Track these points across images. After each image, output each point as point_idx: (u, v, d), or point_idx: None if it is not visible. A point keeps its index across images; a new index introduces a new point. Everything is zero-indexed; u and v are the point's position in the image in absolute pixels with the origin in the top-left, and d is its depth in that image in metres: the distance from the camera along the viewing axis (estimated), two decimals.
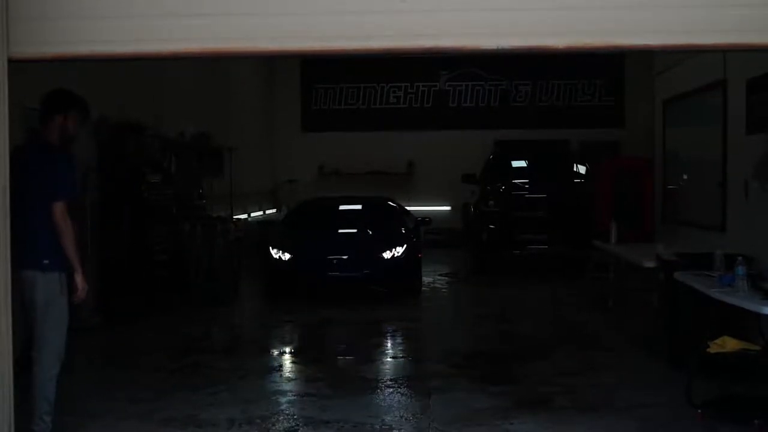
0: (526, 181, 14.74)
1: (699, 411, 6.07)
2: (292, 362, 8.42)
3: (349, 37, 4.99)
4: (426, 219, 13.19)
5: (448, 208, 19.37)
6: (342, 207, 13.46)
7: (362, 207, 13.49)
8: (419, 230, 12.87)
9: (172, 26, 5.00)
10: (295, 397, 6.85)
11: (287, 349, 9.14)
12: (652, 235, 11.22)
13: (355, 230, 12.48)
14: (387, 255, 11.53)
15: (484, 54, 5.10)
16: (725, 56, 8.61)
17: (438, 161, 18.88)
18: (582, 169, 14.94)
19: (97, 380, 7.41)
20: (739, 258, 6.00)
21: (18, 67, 4.97)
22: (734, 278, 6.00)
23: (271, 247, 11.75)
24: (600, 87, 19.79)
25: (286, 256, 11.51)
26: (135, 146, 10.61)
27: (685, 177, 10.86)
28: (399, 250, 11.58)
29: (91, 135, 10.00)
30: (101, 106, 9.98)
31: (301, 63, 19.92)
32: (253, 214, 17.06)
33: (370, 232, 12.33)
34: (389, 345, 9.45)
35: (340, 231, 12.50)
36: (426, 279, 12.96)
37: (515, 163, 15.79)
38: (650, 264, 8.02)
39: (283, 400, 6.84)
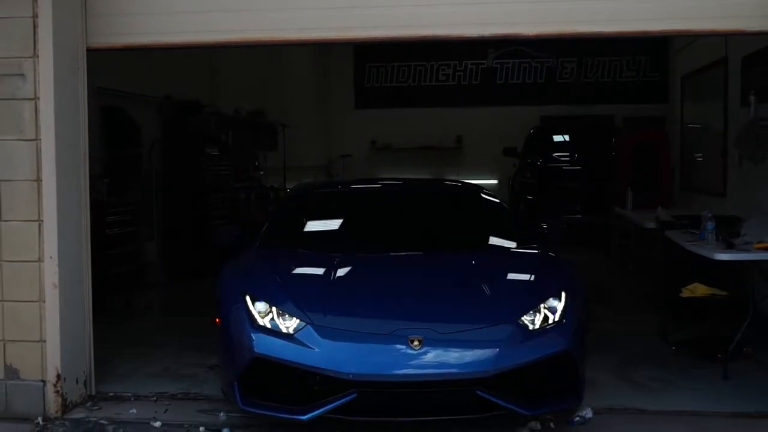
0: (565, 154, 15.49)
1: (673, 348, 7.08)
2: None
3: (388, 26, 5.90)
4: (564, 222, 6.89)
5: (495, 181, 20.16)
6: (393, 206, 6.83)
7: (433, 202, 7.06)
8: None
9: (229, 19, 5.98)
10: None
11: None
12: (670, 202, 11.93)
13: (440, 260, 5.97)
14: (531, 320, 5.08)
15: (524, 41, 5.91)
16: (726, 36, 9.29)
17: (486, 136, 19.47)
18: None
19: (162, 324, 8.79)
20: (708, 215, 6.83)
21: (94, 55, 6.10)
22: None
23: (249, 298, 5.24)
24: (644, 63, 20.22)
25: (293, 325, 5.05)
26: (195, 123, 11.73)
27: (697, 149, 11.59)
28: (556, 307, 5.18)
29: (156, 113, 11.24)
30: (165, 87, 11.18)
31: (354, 44, 20.82)
32: None
33: (479, 266, 5.80)
34: None
35: (406, 261, 5.96)
36: None
37: (555, 138, 16.54)
38: (651, 225, 8.85)
39: None
